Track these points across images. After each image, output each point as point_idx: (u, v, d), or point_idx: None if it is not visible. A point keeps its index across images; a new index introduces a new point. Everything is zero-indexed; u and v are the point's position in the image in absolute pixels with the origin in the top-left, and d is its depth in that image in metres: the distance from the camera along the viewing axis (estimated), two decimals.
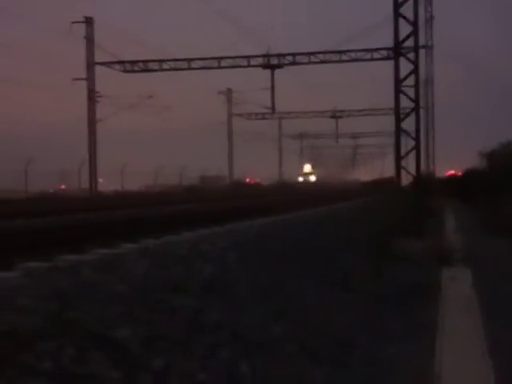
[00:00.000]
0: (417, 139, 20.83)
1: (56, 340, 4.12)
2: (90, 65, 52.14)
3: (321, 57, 50.14)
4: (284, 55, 51.34)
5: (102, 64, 52.07)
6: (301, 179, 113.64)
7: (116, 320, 4.70)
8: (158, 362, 4.26)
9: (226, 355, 4.51)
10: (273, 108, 58.30)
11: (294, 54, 51.07)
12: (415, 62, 20.19)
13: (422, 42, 32.16)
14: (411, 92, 20.34)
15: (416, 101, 20.49)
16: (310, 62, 51.26)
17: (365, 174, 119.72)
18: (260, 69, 51.89)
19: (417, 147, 20.88)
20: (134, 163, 65.25)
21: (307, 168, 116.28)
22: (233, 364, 4.33)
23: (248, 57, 51.62)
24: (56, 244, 12.24)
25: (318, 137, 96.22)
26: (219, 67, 52.61)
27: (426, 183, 24.65)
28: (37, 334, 4.18)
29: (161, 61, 51.53)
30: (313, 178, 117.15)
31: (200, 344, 4.69)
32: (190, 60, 51.90)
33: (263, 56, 51.61)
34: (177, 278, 6.17)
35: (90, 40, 51.94)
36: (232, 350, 4.65)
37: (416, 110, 20.55)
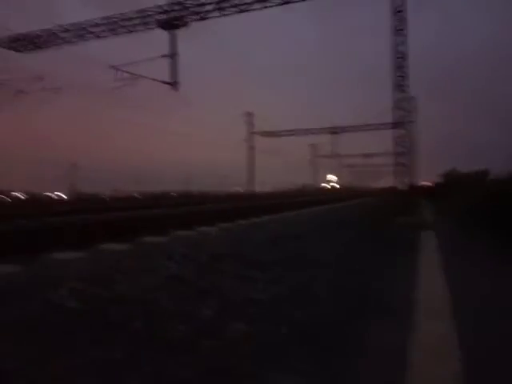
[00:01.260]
0: (410, 167, 19.98)
1: (228, 261, 4.27)
2: (250, 134, 53.00)
3: (359, 127, 48.78)
4: (339, 127, 50.38)
5: (254, 133, 53.00)
6: (323, 184, 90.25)
7: (256, 252, 4.81)
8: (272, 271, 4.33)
9: (311, 269, 4.52)
10: (334, 153, 57.38)
11: (345, 127, 50.00)
12: (407, 129, 19.37)
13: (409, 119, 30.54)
14: (405, 143, 19.75)
15: (407, 148, 19.61)
16: (353, 131, 49.94)
17: (383, 183, 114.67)
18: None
19: (408, 171, 20.03)
20: (270, 179, 66.13)
21: (333, 177, 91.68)
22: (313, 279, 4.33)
23: (322, 128, 51.04)
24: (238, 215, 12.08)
25: (357, 166, 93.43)
26: (307, 133, 52.28)
27: (412, 189, 23.45)
28: (218, 257, 4.35)
29: (280, 131, 51.74)
30: (337, 186, 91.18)
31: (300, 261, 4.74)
32: (292, 130, 51.81)
33: (330, 128, 50.82)
34: (292, 232, 6.24)
35: (250, 123, 52.90)
36: (313, 267, 4.67)
37: (407, 152, 19.69)
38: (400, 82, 17.99)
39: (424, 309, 3.44)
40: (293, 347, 3.19)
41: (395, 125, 20.39)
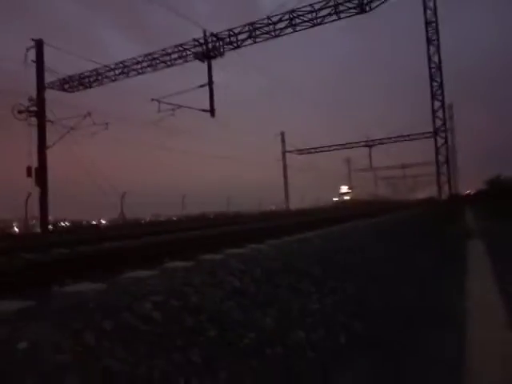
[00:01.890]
0: (449, 176, 19.50)
1: (282, 275, 4.48)
2: (284, 153, 53.46)
3: (394, 139, 47.98)
4: (375, 140, 49.80)
5: (288, 152, 53.42)
6: (336, 199, 79.30)
7: (306, 266, 5.00)
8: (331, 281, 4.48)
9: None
10: (371, 165, 56.60)
11: (381, 139, 49.37)
12: (445, 139, 19.00)
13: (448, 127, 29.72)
14: (444, 152, 19.28)
15: (447, 157, 19.18)
16: (389, 142, 49.17)
17: (420, 194, 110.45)
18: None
19: (449, 180, 19.53)
20: (307, 196, 65.16)
21: (344, 189, 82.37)
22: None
23: (357, 142, 50.71)
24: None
25: (395, 178, 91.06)
26: (343, 148, 52.06)
27: (454, 198, 22.76)
28: (272, 272, 4.56)
29: (315, 147, 51.88)
30: (347, 197, 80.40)
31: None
32: (327, 145, 51.83)
33: (365, 141, 50.36)
34: (338, 246, 6.38)
35: (283, 142, 53.38)
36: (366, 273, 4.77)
37: (447, 162, 19.25)
38: (435, 91, 17.86)
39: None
40: (351, 353, 3.35)
41: (433, 134, 20.06)
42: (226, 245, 7.99)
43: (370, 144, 50.46)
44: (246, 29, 17.56)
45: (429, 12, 16.71)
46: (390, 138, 48.70)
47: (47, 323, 2.30)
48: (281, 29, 17.12)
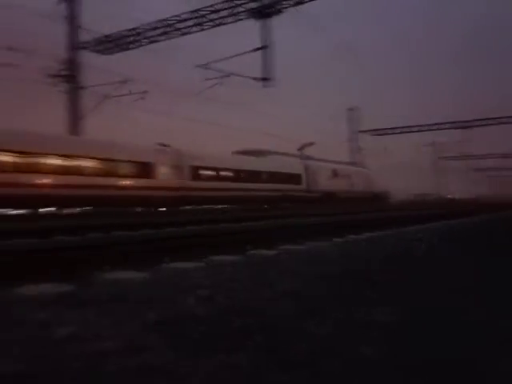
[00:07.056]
0: None
1: (345, 279, 4.56)
2: (355, 132, 52.64)
3: (496, 120, 45.74)
4: (470, 121, 47.67)
5: (362, 132, 52.53)
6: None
7: (374, 271, 5.03)
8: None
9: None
10: (463, 153, 54.52)
11: (478, 119, 47.23)
12: None
13: None
14: None
15: None
16: (487, 124, 46.93)
17: None
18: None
19: None
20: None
21: None
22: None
23: (446, 123, 48.79)
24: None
25: (494, 169, 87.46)
26: (429, 130, 50.29)
27: None
28: (333, 274, 4.65)
29: (393, 128, 50.60)
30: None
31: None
32: (411, 126, 50.33)
33: (457, 122, 48.43)
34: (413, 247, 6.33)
35: (353, 120, 52.43)
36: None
37: None
38: None
39: None
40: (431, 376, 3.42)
41: None
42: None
43: (463, 126, 48.30)
44: None
45: None
46: (489, 120, 46.51)
47: (88, 311, 2.62)
48: None
